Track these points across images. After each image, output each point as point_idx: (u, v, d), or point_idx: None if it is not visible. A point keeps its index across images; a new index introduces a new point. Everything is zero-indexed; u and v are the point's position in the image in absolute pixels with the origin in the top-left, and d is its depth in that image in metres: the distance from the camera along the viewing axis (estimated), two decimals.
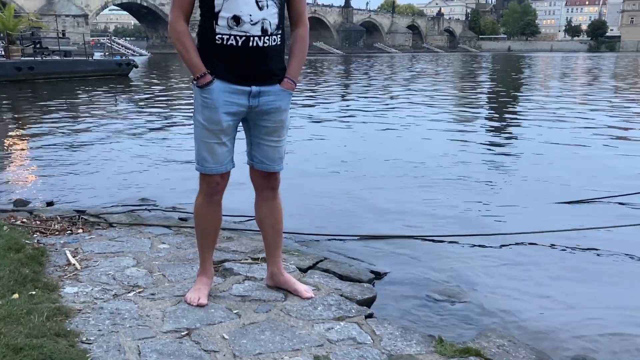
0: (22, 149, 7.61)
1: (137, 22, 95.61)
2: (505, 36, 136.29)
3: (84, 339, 2.06)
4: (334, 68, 36.54)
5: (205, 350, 2.03)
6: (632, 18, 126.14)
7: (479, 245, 3.64)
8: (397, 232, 3.88)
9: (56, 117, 11.15)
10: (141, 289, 2.56)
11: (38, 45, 25.14)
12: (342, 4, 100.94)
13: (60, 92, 17.23)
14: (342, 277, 2.85)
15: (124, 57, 30.80)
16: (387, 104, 13.41)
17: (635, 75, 28.51)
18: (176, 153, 7.06)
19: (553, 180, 5.49)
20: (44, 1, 57.99)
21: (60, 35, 28.98)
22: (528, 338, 2.38)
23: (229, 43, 2.13)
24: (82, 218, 3.70)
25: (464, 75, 28.69)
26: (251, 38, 2.13)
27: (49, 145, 7.75)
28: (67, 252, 3.00)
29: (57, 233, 3.39)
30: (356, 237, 3.78)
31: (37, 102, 14.22)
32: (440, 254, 3.49)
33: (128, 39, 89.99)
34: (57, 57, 24.41)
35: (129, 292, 2.52)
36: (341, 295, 2.58)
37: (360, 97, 15.73)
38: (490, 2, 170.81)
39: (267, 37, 2.16)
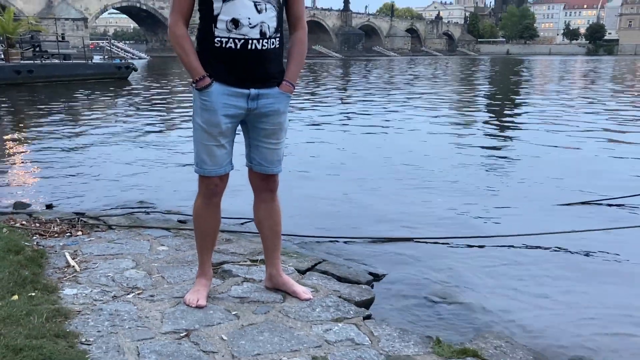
0: (22, 152, 7.62)
1: (136, 25, 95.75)
2: (504, 39, 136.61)
3: (83, 340, 2.07)
4: (333, 71, 36.60)
5: (204, 351, 2.04)
6: (630, 21, 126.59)
7: (477, 247, 3.66)
8: (395, 234, 3.89)
9: (55, 120, 11.17)
10: (140, 291, 2.57)
11: (37, 49, 25.18)
12: (341, 8, 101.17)
13: (60, 95, 17.24)
14: (340, 279, 2.86)
15: (123, 61, 30.85)
16: (386, 107, 13.44)
17: (632, 78, 28.58)
18: (175, 155, 7.08)
19: (551, 183, 5.51)
20: (44, 5, 58.08)
21: (60, 39, 29.02)
22: (525, 339, 2.40)
23: (227, 46, 2.15)
24: (81, 220, 3.71)
25: (462, 79, 28.76)
26: (250, 41, 2.15)
27: (48, 148, 7.76)
28: (67, 254, 3.01)
29: (56, 235, 3.40)
30: (355, 239, 3.79)
31: (37, 105, 14.23)
32: (438, 256, 3.51)
33: (127, 42, 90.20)
34: (57, 61, 24.46)
35: (128, 294, 2.53)
36: (339, 297, 2.59)
37: (359, 100, 15.76)
38: (488, 6, 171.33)
39: (265, 40, 2.18)
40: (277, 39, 2.23)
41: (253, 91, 2.22)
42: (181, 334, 2.16)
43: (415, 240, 3.79)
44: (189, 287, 2.56)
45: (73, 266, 2.84)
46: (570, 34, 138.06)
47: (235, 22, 2.13)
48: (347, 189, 5.31)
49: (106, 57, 31.38)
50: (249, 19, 2.14)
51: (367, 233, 3.89)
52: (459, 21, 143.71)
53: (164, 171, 6.20)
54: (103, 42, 48.11)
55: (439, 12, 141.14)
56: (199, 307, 2.37)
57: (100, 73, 24.84)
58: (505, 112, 13.13)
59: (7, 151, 7.60)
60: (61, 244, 3.22)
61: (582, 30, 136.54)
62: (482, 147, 7.76)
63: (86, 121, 11.16)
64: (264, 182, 2.43)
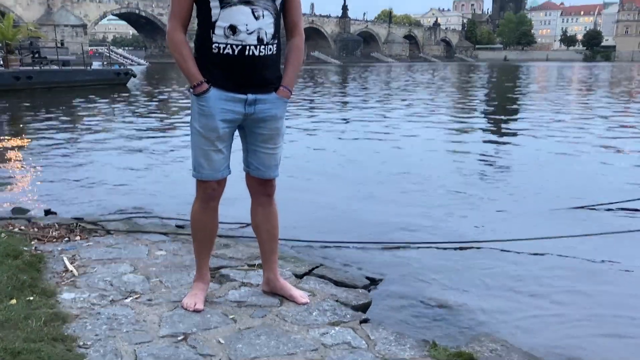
0: (20, 157, 7.63)
1: (135, 31, 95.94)
2: (502, 46, 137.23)
3: (81, 343, 2.08)
4: (332, 77, 36.71)
5: (201, 355, 2.06)
6: (626, 28, 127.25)
7: (473, 252, 3.68)
8: (392, 239, 3.91)
9: (54, 125, 11.18)
10: (138, 295, 2.58)
11: (36, 55, 25.22)
12: (340, 15, 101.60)
13: (59, 102, 17.27)
14: (337, 283, 2.87)
15: (122, 67, 30.91)
16: (384, 113, 13.49)
17: (628, 84, 28.71)
18: (173, 161, 7.10)
19: (547, 188, 5.54)
20: (43, 11, 58.24)
21: (59, 45, 29.07)
22: (521, 342, 2.41)
23: (225, 52, 2.18)
24: (79, 225, 3.71)
25: (460, 85, 28.86)
26: (247, 47, 2.18)
27: (47, 153, 7.78)
28: (65, 258, 3.02)
29: (54, 240, 3.41)
30: (352, 244, 3.81)
31: (35, 111, 14.25)
32: (434, 260, 3.53)
33: (126, 48, 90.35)
34: (56, 67, 24.47)
35: (126, 298, 2.54)
36: (336, 301, 2.60)
37: (357, 106, 15.82)
38: (486, 13, 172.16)
39: (263, 46, 2.21)
40: (275, 45, 2.26)
41: (250, 96, 2.25)
42: (179, 338, 2.18)
43: (412, 244, 3.81)
44: (186, 291, 2.57)
45: (71, 270, 2.85)
46: (568, 40, 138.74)
47: (233, 29, 2.16)
48: (345, 194, 5.33)
49: (105, 63, 31.43)
50: (246, 25, 2.16)
51: (364, 238, 3.91)
52: (457, 28, 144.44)
53: (162, 176, 6.22)
54: (102, 49, 48.20)
55: (436, 19, 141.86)
56: (196, 311, 2.39)
57: (99, 79, 24.88)
58: (503, 118, 13.18)
59: (6, 157, 7.61)
60: (59, 248, 3.23)
61: (579, 37, 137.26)
62: (479, 153, 7.79)
63: (85, 127, 11.18)
64: (262, 187, 2.45)
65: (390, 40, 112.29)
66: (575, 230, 3.98)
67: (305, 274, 2.97)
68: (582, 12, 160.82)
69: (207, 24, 2.18)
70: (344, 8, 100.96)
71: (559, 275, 3.30)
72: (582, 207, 4.76)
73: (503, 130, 10.73)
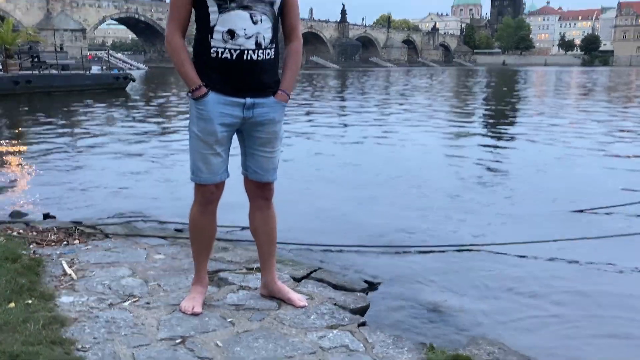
0: (19, 162, 7.63)
1: (134, 36, 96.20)
2: (500, 50, 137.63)
3: (80, 346, 2.08)
4: (330, 82, 36.78)
5: (199, 358, 2.06)
6: (624, 33, 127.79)
7: (471, 255, 3.69)
8: (391, 243, 3.92)
9: (53, 129, 11.19)
10: (136, 298, 2.59)
11: (36, 59, 25.27)
12: (338, 19, 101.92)
13: (58, 106, 17.29)
14: (335, 287, 2.88)
15: (121, 71, 30.95)
16: (382, 117, 13.52)
17: (627, 89, 28.80)
18: (172, 164, 7.11)
19: (544, 192, 5.55)
20: (42, 16, 58.38)
21: (58, 49, 29.17)
22: (518, 345, 2.41)
23: (223, 56, 2.19)
24: (78, 229, 3.72)
25: (458, 90, 28.92)
26: (245, 51, 2.19)
27: (46, 157, 7.78)
28: (63, 262, 3.02)
29: (53, 244, 3.41)
30: (351, 247, 3.81)
31: (34, 115, 14.27)
32: (432, 264, 3.54)
33: (126, 53, 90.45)
34: (55, 71, 24.53)
35: (124, 301, 2.55)
36: (334, 304, 2.61)
37: (355, 110, 15.85)
38: (484, 17, 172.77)
39: (261, 51, 2.22)
40: (273, 49, 2.27)
41: (249, 100, 2.26)
42: (177, 341, 2.18)
43: (410, 248, 3.82)
44: (185, 294, 2.58)
45: (70, 274, 2.85)
46: (566, 45, 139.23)
47: (231, 33, 2.18)
48: (343, 198, 5.34)
49: (104, 67, 31.47)
50: (244, 30, 2.18)
51: (362, 241, 3.92)
52: (455, 32, 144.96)
53: (161, 180, 6.23)
54: (101, 53, 48.29)
55: (435, 24, 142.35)
56: (194, 314, 2.39)
57: (98, 83, 24.91)
58: (501, 122, 13.22)
59: (5, 161, 7.61)
60: (58, 252, 3.23)
61: (578, 42, 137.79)
62: (477, 157, 7.80)
63: (83, 131, 11.20)
64: (260, 190, 2.46)
65: (389, 45, 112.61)
66: (574, 234, 3.99)
67: (304, 277, 2.97)
68: (580, 17, 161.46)
69: (205, 29, 2.20)
70: (343, 13, 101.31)
71: (556, 278, 3.31)
72: (580, 211, 4.77)
73: (501, 135, 10.76)
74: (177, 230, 3.95)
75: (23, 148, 8.91)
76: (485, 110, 17.08)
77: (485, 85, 33.52)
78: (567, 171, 6.82)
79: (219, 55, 2.19)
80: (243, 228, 3.77)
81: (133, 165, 7.19)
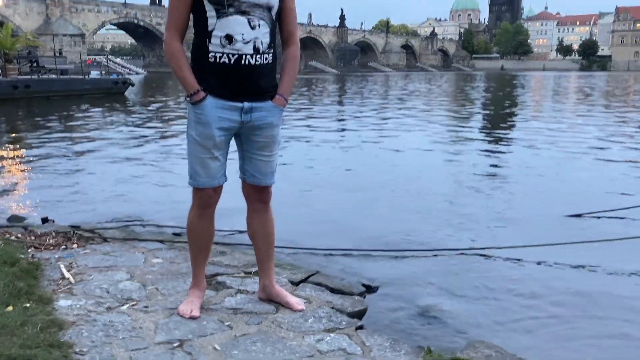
0: (17, 166, 7.64)
1: (133, 41, 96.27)
2: (498, 55, 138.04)
3: (77, 350, 2.09)
4: (329, 86, 36.86)
5: None
6: (622, 38, 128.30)
7: (469, 259, 3.70)
8: (388, 246, 3.93)
9: (51, 134, 11.20)
10: (134, 302, 2.59)
11: (35, 64, 25.31)
12: (337, 24, 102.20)
13: (56, 110, 17.30)
14: (333, 290, 2.88)
15: (120, 76, 31.02)
16: (380, 122, 13.55)
17: (624, 93, 28.90)
18: (170, 169, 7.12)
19: (543, 197, 5.58)
20: (42, 21, 58.44)
21: (57, 54, 29.19)
22: (515, 348, 2.41)
23: (221, 61, 2.21)
24: (76, 233, 3.72)
25: (456, 94, 29.00)
26: (243, 56, 2.21)
27: (44, 161, 7.79)
28: (62, 266, 3.02)
29: (51, 248, 3.41)
30: (349, 251, 3.82)
31: (33, 120, 14.29)
32: (430, 267, 3.55)
33: (125, 57, 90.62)
34: (54, 76, 24.55)
35: (122, 305, 2.55)
36: (332, 308, 2.61)
37: (353, 115, 15.88)
38: (483, 22, 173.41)
39: (259, 56, 2.24)
40: (270, 54, 2.29)
41: (247, 104, 2.27)
42: (174, 344, 2.18)
43: (408, 252, 3.83)
44: (183, 298, 2.58)
45: (68, 278, 2.86)
46: (564, 50, 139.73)
47: (229, 38, 2.19)
48: (341, 202, 5.35)
49: (103, 72, 31.53)
50: (242, 34, 2.19)
51: (360, 245, 3.92)
52: (454, 37, 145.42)
53: (159, 184, 6.23)
54: (100, 58, 48.37)
55: (433, 29, 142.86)
56: (192, 318, 2.40)
57: (97, 88, 24.95)
58: (499, 127, 13.25)
59: (3, 165, 7.61)
60: (56, 256, 3.24)
61: (576, 47, 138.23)
62: (475, 162, 7.83)
63: (82, 135, 11.20)
64: (258, 194, 2.47)
65: (388, 49, 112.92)
66: (571, 237, 4.00)
67: (302, 281, 2.97)
68: (577, 22, 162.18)
69: (203, 34, 2.21)
70: (342, 18, 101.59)
71: (554, 281, 3.33)
72: (578, 215, 4.78)
73: (499, 139, 10.78)
74: (175, 234, 3.96)
75: (21, 152, 8.92)
76: (484, 114, 17.12)
77: (483, 90, 33.60)
78: (565, 175, 6.84)
79: (217, 60, 2.21)
80: (241, 232, 3.78)
81: (131, 169, 7.20)
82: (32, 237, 3.60)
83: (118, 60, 61.61)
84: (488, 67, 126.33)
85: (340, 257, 3.74)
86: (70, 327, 2.27)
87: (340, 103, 21.86)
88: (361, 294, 2.93)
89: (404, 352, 2.22)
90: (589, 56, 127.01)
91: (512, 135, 11.31)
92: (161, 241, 3.65)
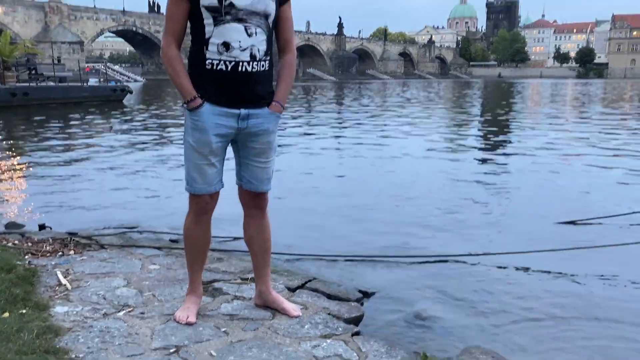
0: (16, 173, 7.64)
1: (132, 48, 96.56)
2: (496, 63, 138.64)
3: (73, 356, 2.09)
4: (327, 94, 36.96)
5: None
6: (618, 45, 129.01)
7: (465, 265, 3.71)
8: (385, 253, 3.93)
9: (49, 141, 11.21)
10: (131, 308, 2.59)
11: (33, 72, 25.36)
12: (335, 32, 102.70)
13: (55, 118, 17.32)
14: (330, 297, 2.89)
15: (118, 83, 31.08)
16: (378, 130, 13.58)
17: (621, 101, 29.03)
18: (167, 175, 7.12)
19: (539, 204, 5.59)
20: (40, 28, 58.63)
21: (56, 62, 29.27)
22: (511, 354, 2.43)
23: (218, 68, 2.22)
24: (73, 240, 3.72)
25: (454, 102, 29.09)
26: (240, 63, 2.23)
27: (42, 168, 7.79)
28: (58, 272, 3.02)
29: (48, 254, 3.41)
30: (346, 258, 3.83)
31: (31, 127, 14.29)
32: (427, 273, 3.55)
33: (123, 65, 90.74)
34: (52, 83, 24.60)
35: (118, 311, 2.55)
36: (329, 314, 2.62)
37: (351, 122, 15.91)
38: (480, 30, 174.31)
39: (255, 63, 2.25)
40: (267, 61, 2.31)
41: (243, 111, 2.29)
42: (171, 350, 2.18)
43: (404, 258, 3.83)
44: (179, 304, 2.58)
45: (64, 284, 2.86)
46: (561, 57, 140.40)
47: (226, 45, 2.21)
48: (339, 207, 5.36)
49: (102, 80, 31.59)
50: (239, 42, 2.21)
51: (357, 252, 3.93)
52: (451, 45, 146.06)
53: (157, 191, 6.23)
54: (99, 65, 48.47)
55: (431, 37, 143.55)
56: (188, 324, 2.40)
57: (95, 95, 25.01)
58: (496, 134, 13.29)
59: (1, 172, 7.61)
60: (53, 263, 3.24)
61: (572, 54, 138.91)
62: (472, 170, 7.86)
63: (80, 143, 11.21)
64: (254, 200, 2.48)
65: (386, 57, 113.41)
66: (566, 244, 4.01)
67: (298, 287, 2.98)
68: (574, 30, 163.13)
69: (200, 41, 2.23)
70: (340, 26, 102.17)
71: (550, 287, 3.34)
72: (572, 222, 4.79)
73: (496, 147, 10.82)
74: (172, 240, 3.96)
75: (19, 159, 8.92)
76: (481, 122, 17.18)
77: (480, 97, 33.71)
78: (561, 182, 6.86)
79: (214, 67, 2.22)
80: (237, 238, 3.78)
81: (129, 176, 7.21)
82: (29, 244, 3.60)
83: (116, 67, 61.72)
84: (485, 74, 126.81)
85: (337, 263, 3.74)
86: (67, 334, 2.27)
87: (338, 110, 21.91)
88: (358, 300, 2.94)
89: (400, 358, 2.22)
90: (586, 64, 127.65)
91: (509, 143, 11.35)
92: (158, 248, 3.65)
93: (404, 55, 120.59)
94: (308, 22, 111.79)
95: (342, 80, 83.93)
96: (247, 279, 3.00)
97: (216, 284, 2.93)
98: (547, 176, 7.23)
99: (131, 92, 27.15)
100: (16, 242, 3.63)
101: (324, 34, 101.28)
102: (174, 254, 3.50)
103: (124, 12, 69.71)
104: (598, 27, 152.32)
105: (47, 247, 3.53)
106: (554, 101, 29.65)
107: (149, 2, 78.44)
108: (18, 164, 8.43)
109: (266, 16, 2.25)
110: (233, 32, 2.20)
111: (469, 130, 14.39)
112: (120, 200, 5.75)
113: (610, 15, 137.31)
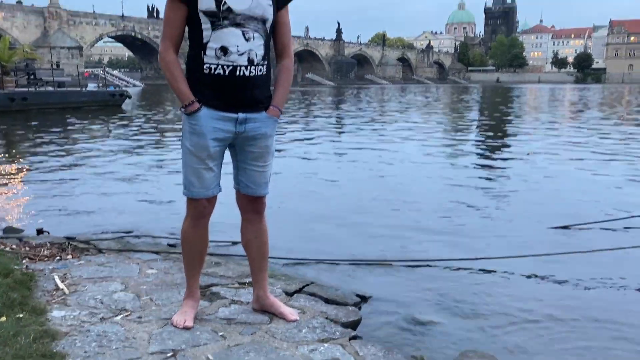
0: (14, 178, 7.63)
1: (131, 53, 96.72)
2: (494, 68, 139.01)
3: None
4: (325, 98, 37.02)
5: None
6: (616, 51, 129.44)
7: (462, 269, 3.72)
8: (383, 257, 3.94)
9: (48, 146, 11.21)
10: (128, 312, 2.59)
11: (32, 76, 25.40)
12: (334, 37, 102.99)
13: (53, 122, 17.32)
14: (327, 301, 2.89)
15: (117, 88, 31.11)
16: (376, 134, 13.60)
17: (618, 106, 29.12)
18: (165, 179, 7.13)
19: (535, 208, 5.60)
20: (39, 33, 58.69)
21: (55, 67, 29.31)
22: (509, 357, 2.43)
23: (216, 72, 2.23)
24: (71, 244, 3.72)
25: (452, 107, 29.16)
26: (238, 68, 2.23)
27: (40, 173, 7.79)
28: (56, 277, 3.02)
29: (46, 259, 3.41)
30: (343, 262, 3.83)
31: (30, 132, 14.29)
32: (424, 277, 3.56)
33: (122, 70, 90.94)
34: (51, 88, 24.63)
35: (116, 316, 2.55)
36: (326, 318, 2.62)
37: (349, 126, 15.94)
38: (478, 35, 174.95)
39: (253, 67, 2.26)
40: (265, 65, 2.32)
41: (241, 115, 2.30)
42: (168, 354, 2.18)
43: (401, 262, 3.84)
44: (177, 309, 2.58)
45: (62, 289, 2.85)
46: (559, 62, 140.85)
47: (224, 50, 2.22)
48: (337, 212, 5.37)
49: (100, 85, 31.63)
50: (237, 46, 2.22)
51: (355, 256, 3.94)
52: (450, 50, 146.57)
53: (154, 195, 6.24)
54: (98, 70, 48.52)
55: (429, 42, 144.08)
56: (186, 328, 2.39)
57: (94, 100, 25.04)
58: (493, 139, 13.32)
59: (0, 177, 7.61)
60: (51, 267, 3.23)
61: (570, 59, 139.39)
62: (469, 175, 7.85)
63: (78, 147, 11.21)
64: (252, 204, 2.48)
65: (384, 62, 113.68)
66: (561, 248, 4.01)
67: (296, 291, 2.98)
68: (572, 35, 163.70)
69: (198, 45, 2.24)
70: (338, 31, 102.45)
71: (546, 292, 3.34)
72: (566, 227, 4.80)
73: (493, 151, 10.83)
74: (170, 245, 3.96)
75: (17, 164, 8.92)
76: (478, 127, 17.21)
77: (478, 102, 33.80)
78: (556, 187, 6.87)
79: (212, 71, 2.23)
80: (235, 243, 3.79)
81: (127, 180, 7.20)
82: (27, 248, 3.60)
83: (115, 72, 61.90)
84: (483, 79, 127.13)
85: (335, 267, 3.75)
86: (64, 338, 2.27)
87: (336, 115, 21.94)
88: (355, 304, 2.94)
89: None
90: (584, 69, 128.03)
91: (506, 147, 11.37)
92: (156, 252, 3.65)
93: (403, 60, 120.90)
94: (307, 28, 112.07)
95: (341, 85, 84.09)
96: (244, 283, 3.00)
97: (214, 288, 2.93)
98: (544, 181, 7.24)
99: (130, 97, 27.21)
100: (14, 246, 3.63)
101: (322, 39, 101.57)
102: (172, 259, 3.50)
103: (123, 17, 69.85)
104: (596, 33, 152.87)
105: (45, 252, 3.53)
106: (551, 106, 29.73)
107: (148, 7, 78.69)
108: (16, 169, 8.43)
109: (264, 21, 2.26)
110: (231, 36, 2.21)
111: (466, 135, 14.41)
112: (118, 204, 5.75)
113: (608, 21, 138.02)
